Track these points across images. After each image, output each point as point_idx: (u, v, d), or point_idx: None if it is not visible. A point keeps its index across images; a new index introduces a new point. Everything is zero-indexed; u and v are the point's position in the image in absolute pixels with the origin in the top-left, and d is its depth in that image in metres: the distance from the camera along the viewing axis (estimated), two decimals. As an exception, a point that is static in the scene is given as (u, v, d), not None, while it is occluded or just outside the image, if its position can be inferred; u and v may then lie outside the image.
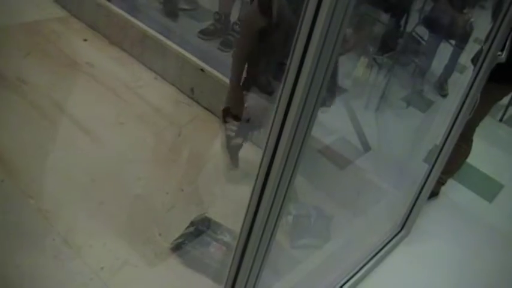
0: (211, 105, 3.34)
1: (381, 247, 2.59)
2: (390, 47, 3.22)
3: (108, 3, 3.97)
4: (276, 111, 1.20)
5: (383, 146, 3.07)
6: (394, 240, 2.65)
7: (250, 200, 1.34)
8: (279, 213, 1.37)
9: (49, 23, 4.00)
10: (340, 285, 2.34)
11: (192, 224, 2.51)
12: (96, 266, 2.22)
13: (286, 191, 1.32)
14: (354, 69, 3.23)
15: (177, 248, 2.40)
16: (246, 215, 1.37)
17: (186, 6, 4.40)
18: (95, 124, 3.04)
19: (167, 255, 2.36)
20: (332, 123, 2.93)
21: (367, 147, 3.01)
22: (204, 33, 3.97)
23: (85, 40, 3.88)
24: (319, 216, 2.62)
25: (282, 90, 1.17)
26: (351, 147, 2.99)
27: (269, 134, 1.23)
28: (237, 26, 3.89)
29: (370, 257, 2.53)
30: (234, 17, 3.99)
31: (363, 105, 3.26)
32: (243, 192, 1.36)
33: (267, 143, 1.24)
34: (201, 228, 2.49)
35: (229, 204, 2.64)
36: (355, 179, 2.86)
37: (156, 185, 2.70)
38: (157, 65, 3.64)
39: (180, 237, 2.45)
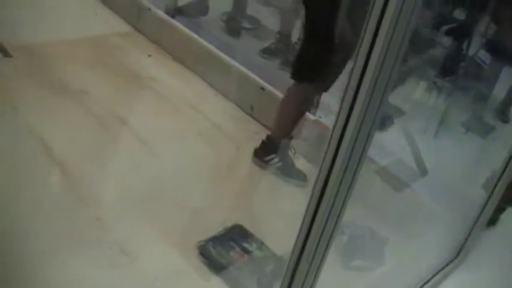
0: (271, 123, 3.35)
1: (434, 273, 2.56)
2: (451, 71, 3.20)
3: (172, 21, 4.07)
4: (333, 130, 1.21)
5: (440, 171, 3.03)
6: (447, 268, 2.61)
7: (304, 217, 1.35)
8: (333, 231, 1.37)
9: (114, 38, 4.14)
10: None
11: (224, 229, 2.56)
12: (151, 276, 2.27)
13: (340, 210, 1.33)
14: (413, 92, 3.21)
15: (201, 247, 2.45)
16: (299, 231, 1.38)
17: (248, 25, 4.47)
18: (155, 137, 3.11)
19: (221, 269, 2.39)
20: (390, 145, 2.92)
21: (424, 171, 2.98)
22: (265, 52, 4.03)
23: (149, 55, 3.98)
24: (374, 237, 2.61)
25: (340, 109, 1.19)
26: (407, 170, 2.97)
27: (326, 153, 1.25)
28: (298, 46, 3.92)
29: (423, 282, 2.50)
30: (295, 36, 4.01)
31: (421, 128, 3.23)
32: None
33: (323, 161, 1.26)
34: (230, 234, 2.54)
35: (279, 222, 2.66)
36: (411, 202, 2.83)
37: (212, 199, 2.74)
38: (218, 82, 3.70)
39: (208, 238, 2.49)
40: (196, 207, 2.64)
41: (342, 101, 1.18)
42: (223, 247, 2.46)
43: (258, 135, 3.28)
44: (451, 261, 2.66)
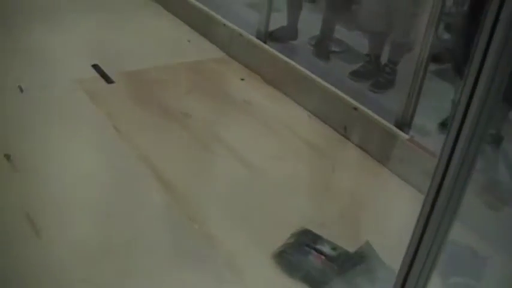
0: (364, 143, 3.43)
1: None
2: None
3: (264, 45, 4.19)
4: (443, 150, 1.27)
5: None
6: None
7: (412, 236, 1.42)
8: (439, 250, 1.41)
9: (208, 63, 4.29)
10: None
11: (292, 235, 2.63)
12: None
13: (447, 230, 1.38)
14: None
15: (278, 256, 2.52)
16: (407, 249, 1.45)
17: (336, 49, 4.53)
18: (253, 157, 3.21)
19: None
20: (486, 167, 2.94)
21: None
22: (355, 75, 4.07)
23: (242, 79, 4.11)
24: (473, 255, 2.62)
25: (449, 130, 1.25)
26: (505, 190, 2.97)
27: (434, 174, 1.31)
28: (388, 68, 3.97)
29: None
30: (384, 59, 4.07)
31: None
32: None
33: (432, 180, 1.32)
34: (301, 239, 2.60)
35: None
36: (509, 221, 2.83)
37: (310, 216, 2.81)
38: (311, 104, 3.77)
39: (281, 246, 2.56)
40: (294, 224, 2.72)
41: (452, 121, 1.24)
42: (300, 253, 2.54)
43: (352, 154, 3.39)
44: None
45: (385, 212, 2.96)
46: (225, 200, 2.86)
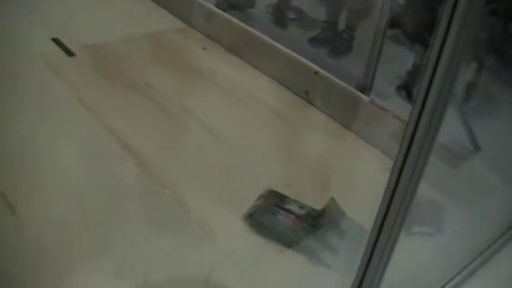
0: (327, 106, 3.53)
1: (492, 241, 2.68)
2: (499, 51, 3.30)
3: (224, 14, 4.23)
4: (412, 112, 1.35)
5: (493, 147, 3.14)
6: (505, 236, 2.74)
7: (384, 194, 1.49)
8: (409, 205, 1.50)
9: (169, 34, 4.32)
10: (453, 275, 2.45)
11: (260, 197, 2.72)
12: (228, 250, 2.45)
13: (415, 186, 1.46)
14: (464, 73, 3.31)
15: (249, 217, 2.62)
16: (379, 208, 1.53)
17: (293, 16, 4.59)
18: (218, 124, 3.28)
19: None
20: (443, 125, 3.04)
21: (477, 148, 3.10)
22: (313, 41, 4.14)
23: (204, 49, 4.15)
24: (432, 205, 2.74)
25: (418, 94, 1.33)
26: (461, 148, 3.09)
27: (403, 137, 1.39)
28: (345, 34, 4.05)
29: (481, 250, 2.62)
30: (341, 25, 4.14)
31: (473, 107, 3.34)
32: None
33: (401, 144, 1.40)
34: (269, 200, 2.70)
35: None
36: (466, 176, 2.96)
37: (277, 178, 2.90)
38: (273, 70, 3.85)
39: (250, 208, 2.66)
40: (262, 187, 2.79)
41: (420, 85, 1.32)
42: (270, 213, 2.63)
43: (315, 118, 3.49)
44: (508, 230, 2.78)
45: (348, 172, 3.08)
46: (193, 167, 2.93)
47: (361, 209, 2.75)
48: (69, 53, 3.80)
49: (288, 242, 2.53)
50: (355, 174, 3.06)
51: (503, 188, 2.95)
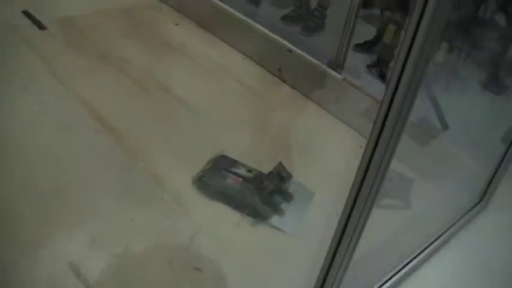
0: (299, 84, 3.57)
1: (459, 216, 2.76)
2: (469, 33, 3.36)
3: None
4: (385, 94, 1.38)
5: (460, 126, 3.21)
6: (472, 211, 2.82)
7: (358, 169, 1.55)
8: (381, 181, 1.56)
9: (141, 9, 4.31)
10: (424, 247, 2.52)
11: (209, 161, 2.79)
12: (201, 223, 2.49)
13: (388, 163, 1.51)
14: (435, 53, 3.37)
15: (198, 180, 2.68)
16: (353, 185, 1.58)
17: (266, -7, 4.60)
18: (190, 98, 3.31)
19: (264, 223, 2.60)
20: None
21: (445, 126, 3.16)
22: (286, 19, 4.14)
23: (176, 24, 4.15)
24: (401, 179, 2.80)
25: (391, 76, 1.36)
26: (430, 126, 3.15)
27: (377, 117, 1.42)
28: (318, 12, 4.07)
29: (449, 224, 2.70)
30: (313, 3, 4.14)
31: (442, 87, 3.40)
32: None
33: (375, 123, 1.44)
34: (218, 164, 2.77)
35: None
36: (434, 153, 3.02)
37: (250, 152, 2.94)
38: (246, 47, 3.87)
39: (199, 172, 2.73)
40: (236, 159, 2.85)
41: (394, 65, 1.34)
42: (218, 176, 2.70)
43: (287, 95, 3.55)
44: (476, 205, 2.87)
45: (315, 146, 3.15)
46: (167, 140, 2.97)
47: (321, 179, 2.88)
48: (41, 26, 3.77)
49: (235, 203, 2.60)
50: (322, 149, 3.14)
51: (471, 164, 3.03)
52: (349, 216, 1.63)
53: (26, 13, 3.87)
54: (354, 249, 1.72)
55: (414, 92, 1.36)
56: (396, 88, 1.35)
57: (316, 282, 1.85)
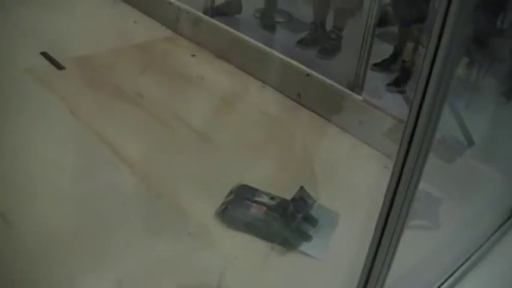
0: (319, 107, 3.55)
1: (490, 234, 2.70)
2: (488, 45, 3.31)
3: (211, 20, 4.24)
4: (409, 116, 1.36)
5: (486, 140, 3.17)
6: (503, 227, 2.76)
7: (386, 194, 1.52)
8: (411, 203, 1.53)
9: (157, 43, 4.34)
10: (454, 269, 2.46)
11: (231, 192, 2.75)
12: (230, 256, 2.44)
13: (416, 185, 1.48)
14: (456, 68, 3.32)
15: (222, 213, 2.64)
16: (382, 206, 1.55)
17: (281, 19, 4.61)
18: (211, 130, 3.30)
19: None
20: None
21: (471, 142, 3.11)
22: (302, 43, 4.15)
23: (193, 56, 4.16)
24: (428, 199, 2.75)
25: (414, 97, 1.34)
26: (455, 143, 3.11)
27: (402, 137, 1.40)
28: (333, 34, 4.06)
29: (480, 243, 2.63)
30: (329, 25, 4.14)
31: (465, 102, 3.36)
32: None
33: (400, 145, 1.41)
34: (239, 194, 2.73)
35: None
36: (461, 170, 2.97)
37: (272, 180, 2.91)
38: (263, 74, 3.86)
39: (222, 204, 2.68)
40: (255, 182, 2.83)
41: (416, 88, 1.32)
42: (241, 207, 2.66)
43: (308, 120, 3.52)
44: (505, 222, 2.80)
45: (339, 169, 3.12)
46: (188, 173, 2.93)
47: (345, 201, 2.86)
48: (59, 66, 3.80)
49: (262, 233, 2.56)
50: (345, 172, 3.10)
51: (498, 180, 2.97)
52: (381, 238, 1.60)
53: (45, 54, 3.90)
54: (386, 273, 1.68)
55: (439, 109, 1.33)
56: (421, 106, 1.32)
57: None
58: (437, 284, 2.36)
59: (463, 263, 2.49)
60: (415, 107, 1.33)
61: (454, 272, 2.44)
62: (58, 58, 3.86)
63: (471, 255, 2.54)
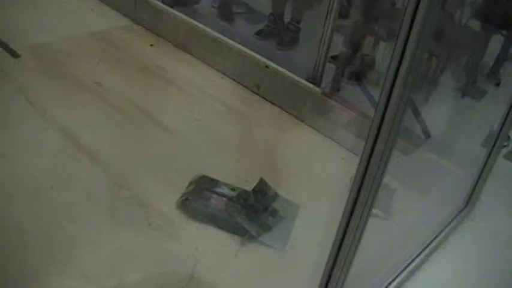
0: (278, 99, 3.57)
1: (446, 224, 2.77)
2: (445, 40, 3.38)
3: (170, 10, 4.21)
4: (377, 109, 1.41)
5: (442, 133, 3.24)
6: (459, 217, 2.83)
7: (352, 186, 1.57)
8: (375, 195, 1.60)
9: (115, 31, 4.27)
10: (412, 258, 2.52)
11: (191, 183, 2.77)
12: (191, 247, 2.44)
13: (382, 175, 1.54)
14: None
15: (182, 205, 2.65)
16: (348, 197, 1.60)
17: (239, 10, 4.60)
18: (170, 120, 3.30)
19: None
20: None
21: (427, 135, 3.19)
22: (260, 34, 4.15)
23: (151, 45, 4.13)
24: (383, 188, 2.79)
25: (382, 91, 1.38)
26: (413, 136, 3.17)
27: (369, 131, 1.44)
28: (292, 26, 4.08)
29: (437, 232, 2.70)
30: (287, 17, 4.16)
31: (423, 96, 3.43)
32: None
33: (368, 137, 1.46)
34: (200, 185, 2.75)
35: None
36: (418, 162, 3.04)
37: (231, 171, 2.94)
38: (222, 65, 3.86)
39: (183, 195, 2.70)
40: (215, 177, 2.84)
41: (384, 82, 1.36)
42: (202, 198, 2.68)
43: (267, 111, 3.54)
44: (461, 212, 2.88)
45: (298, 161, 3.15)
46: (149, 164, 2.93)
47: (305, 192, 2.88)
48: (14, 54, 3.71)
49: (223, 224, 2.58)
50: (304, 163, 3.14)
51: (454, 171, 3.05)
52: (347, 227, 1.64)
53: (-1, 41, 3.83)
54: (351, 261, 1.73)
55: (406, 101, 1.37)
56: (388, 99, 1.37)
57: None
58: (396, 274, 2.42)
59: (420, 253, 2.56)
60: (383, 99, 1.37)
61: (411, 262, 2.50)
62: (13, 46, 3.77)
63: (428, 245, 2.61)
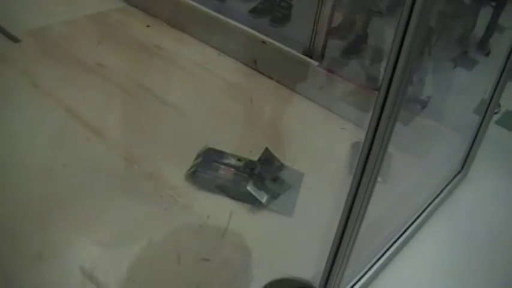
0: (275, 73, 3.65)
1: (443, 187, 2.89)
2: (439, 13, 3.47)
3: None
4: (381, 85, 1.49)
5: (437, 103, 3.33)
6: (455, 180, 2.95)
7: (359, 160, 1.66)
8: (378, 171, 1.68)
9: (111, 14, 4.33)
10: (411, 221, 2.64)
11: (198, 155, 2.87)
12: (203, 215, 2.55)
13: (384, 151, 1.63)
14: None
15: (191, 176, 2.75)
16: (356, 171, 1.69)
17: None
18: (173, 97, 3.38)
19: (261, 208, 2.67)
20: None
21: (423, 105, 3.28)
22: (254, 12, 4.23)
23: (148, 26, 4.19)
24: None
25: (387, 67, 1.46)
26: (410, 105, 3.27)
27: (375, 106, 1.53)
28: (284, 3, 4.16)
29: (434, 196, 2.81)
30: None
31: (417, 67, 3.51)
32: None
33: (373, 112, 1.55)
34: (207, 157, 2.84)
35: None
36: (415, 130, 3.15)
37: (236, 143, 3.05)
38: (219, 42, 3.94)
39: (191, 167, 2.79)
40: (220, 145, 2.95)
41: (388, 61, 1.45)
42: (211, 169, 2.78)
43: (266, 85, 3.64)
44: (457, 175, 3.00)
45: (299, 132, 3.26)
46: (157, 139, 3.03)
47: (308, 160, 2.99)
48: (15, 39, 3.76)
49: (232, 193, 2.69)
50: (305, 134, 3.24)
51: (449, 137, 3.16)
52: (356, 192, 1.73)
53: (-1, 27, 3.88)
54: (361, 223, 1.82)
55: (409, 73, 1.46)
56: (393, 72, 1.45)
57: (327, 257, 1.94)
58: (396, 236, 2.52)
59: (418, 217, 2.66)
60: (388, 73, 1.46)
61: (410, 225, 2.61)
62: (12, 31, 3.82)
63: (425, 208, 2.72)
